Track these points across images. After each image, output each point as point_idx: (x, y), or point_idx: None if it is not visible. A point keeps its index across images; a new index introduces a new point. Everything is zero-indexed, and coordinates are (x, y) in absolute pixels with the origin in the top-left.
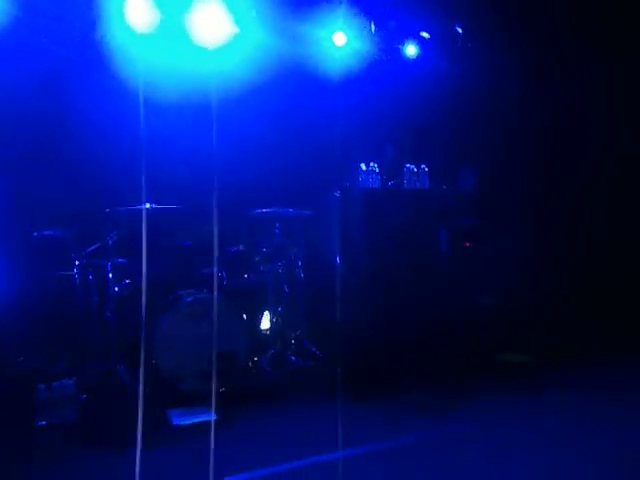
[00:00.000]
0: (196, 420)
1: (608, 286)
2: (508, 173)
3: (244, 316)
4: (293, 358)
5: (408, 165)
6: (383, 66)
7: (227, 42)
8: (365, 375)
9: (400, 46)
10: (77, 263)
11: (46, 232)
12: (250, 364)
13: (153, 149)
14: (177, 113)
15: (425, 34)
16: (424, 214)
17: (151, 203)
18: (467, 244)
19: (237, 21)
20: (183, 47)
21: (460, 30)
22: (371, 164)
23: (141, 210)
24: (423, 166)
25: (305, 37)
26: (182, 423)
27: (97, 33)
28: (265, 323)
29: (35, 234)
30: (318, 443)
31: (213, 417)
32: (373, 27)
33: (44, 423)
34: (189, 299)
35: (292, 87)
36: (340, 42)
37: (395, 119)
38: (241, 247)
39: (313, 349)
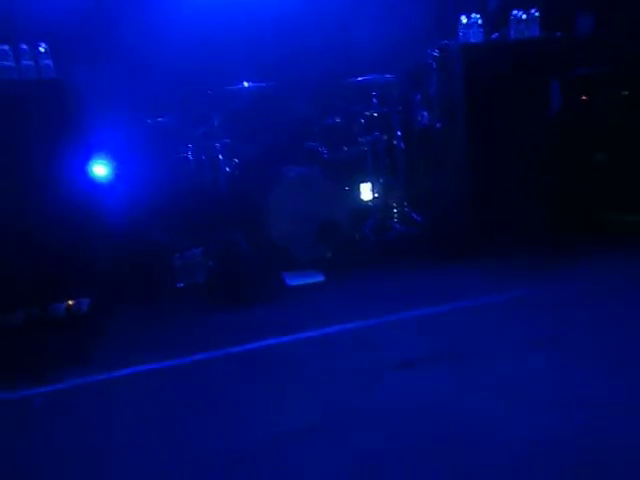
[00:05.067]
0: (307, 281)
1: None
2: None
3: (345, 188)
4: (397, 226)
5: (515, 12)
6: None
7: None
8: (471, 239)
9: None
10: (189, 146)
11: (159, 118)
12: (354, 232)
13: (250, 29)
14: None
15: None
16: (534, 67)
17: (249, 82)
18: (584, 98)
19: None
20: None
21: None
22: (472, 15)
23: (241, 89)
24: (533, 11)
25: None
26: (295, 284)
27: None
28: (367, 194)
29: (149, 121)
30: (420, 298)
31: (321, 279)
32: None
33: (181, 285)
34: (291, 174)
35: None
36: None
37: None
38: (337, 119)
39: (415, 216)
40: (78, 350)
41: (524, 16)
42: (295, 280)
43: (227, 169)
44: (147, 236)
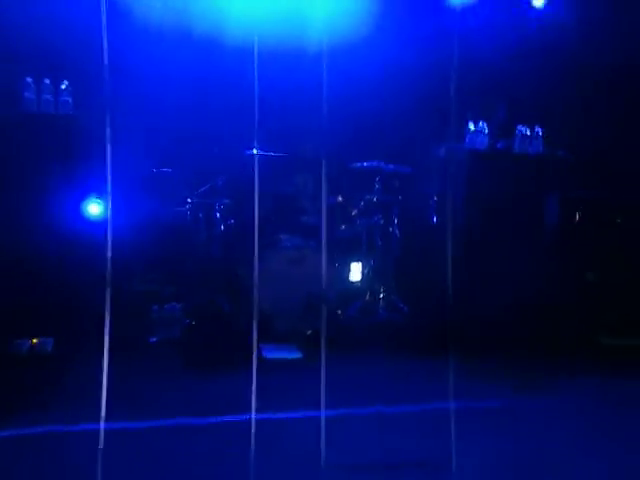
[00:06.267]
0: (283, 356)
1: None
2: (636, 140)
3: (337, 267)
4: (382, 312)
5: (521, 127)
6: (504, 16)
7: None
8: (455, 337)
9: None
10: (189, 201)
11: (164, 169)
12: (339, 312)
13: (264, 97)
14: (289, 61)
15: None
16: (534, 182)
17: (258, 149)
18: (579, 218)
19: None
20: None
21: None
22: (480, 123)
23: (249, 155)
24: (537, 129)
25: None
26: (270, 356)
27: None
28: (356, 274)
29: (154, 170)
30: (394, 393)
31: (298, 355)
32: None
33: (154, 339)
34: (288, 243)
35: (402, 36)
36: None
37: (511, 75)
38: (340, 199)
39: (401, 305)
40: (35, 392)
41: (528, 132)
42: (272, 353)
43: (222, 228)
44: (129, 282)
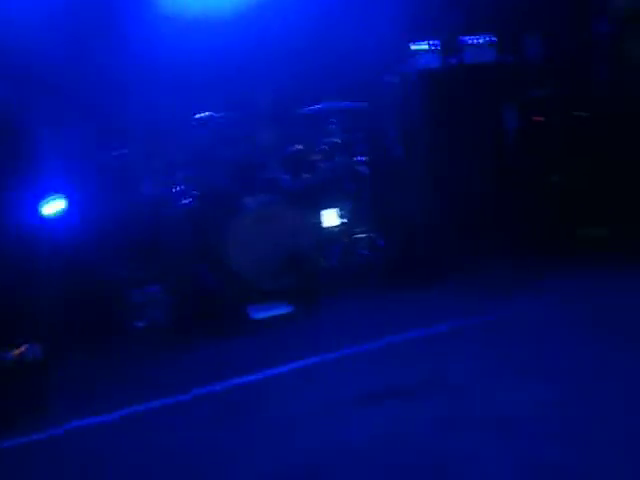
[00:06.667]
0: (273, 313)
1: None
2: (581, 40)
3: (308, 216)
4: (363, 252)
5: (470, 38)
6: None
7: None
8: (436, 260)
9: None
10: (149, 178)
11: (122, 151)
12: (319, 260)
13: (212, 61)
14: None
15: None
16: (489, 90)
17: (211, 113)
18: (538, 118)
19: None
20: None
21: None
22: (428, 42)
23: (203, 122)
24: (487, 37)
25: None
26: (261, 316)
27: None
28: (331, 220)
29: (113, 153)
30: (389, 328)
31: (288, 310)
32: None
33: (140, 324)
34: (252, 205)
35: None
36: None
37: None
38: (298, 147)
39: (380, 241)
40: (29, 400)
41: (478, 41)
42: (261, 313)
43: (188, 201)
44: (103, 272)
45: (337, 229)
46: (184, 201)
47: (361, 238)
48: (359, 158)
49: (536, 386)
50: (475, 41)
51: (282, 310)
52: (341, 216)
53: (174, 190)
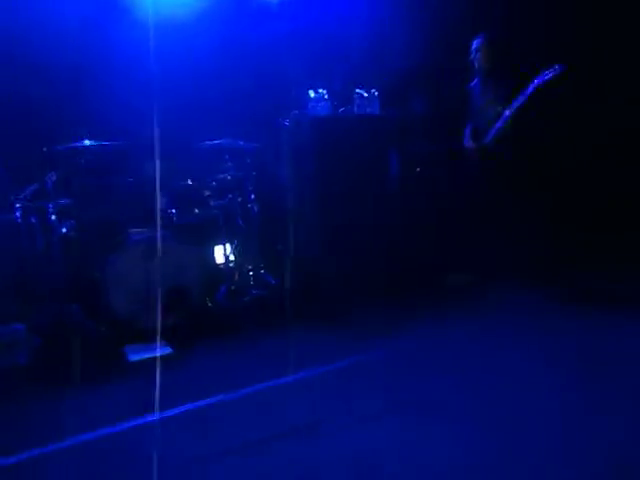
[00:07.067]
0: (151, 355)
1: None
2: (460, 97)
3: (196, 252)
4: (253, 290)
5: (358, 90)
6: None
7: None
8: (318, 301)
9: None
10: (18, 206)
11: None
12: (206, 299)
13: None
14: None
15: None
16: (375, 140)
17: (91, 140)
18: (418, 169)
19: None
20: None
21: None
22: (320, 91)
23: (80, 148)
24: (373, 91)
25: None
26: (136, 358)
27: None
28: (220, 257)
29: None
30: (270, 370)
31: (168, 351)
32: None
33: None
34: (137, 237)
35: (235, 11)
36: None
37: (345, 43)
38: (189, 182)
39: (269, 279)
40: None
41: (366, 94)
42: (138, 354)
43: (63, 231)
44: None
45: (226, 266)
46: (58, 232)
47: (251, 276)
48: (251, 196)
49: None
50: (362, 93)
51: (160, 351)
52: (230, 253)
53: (46, 220)
